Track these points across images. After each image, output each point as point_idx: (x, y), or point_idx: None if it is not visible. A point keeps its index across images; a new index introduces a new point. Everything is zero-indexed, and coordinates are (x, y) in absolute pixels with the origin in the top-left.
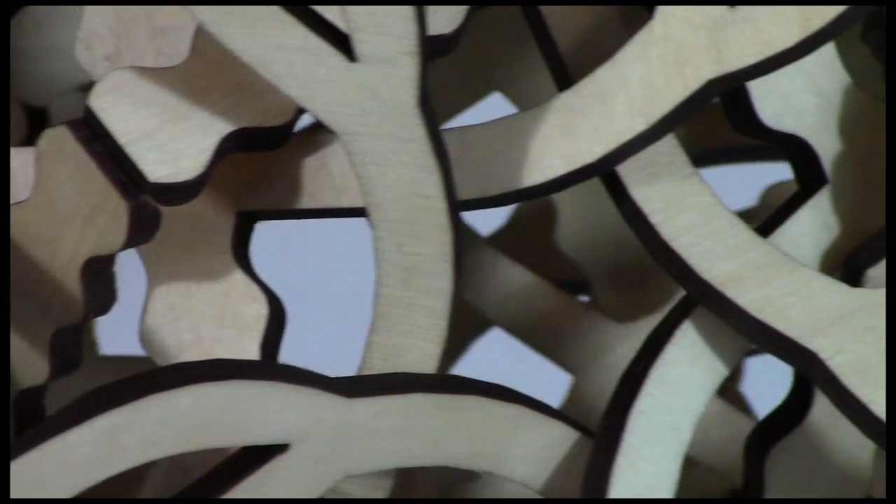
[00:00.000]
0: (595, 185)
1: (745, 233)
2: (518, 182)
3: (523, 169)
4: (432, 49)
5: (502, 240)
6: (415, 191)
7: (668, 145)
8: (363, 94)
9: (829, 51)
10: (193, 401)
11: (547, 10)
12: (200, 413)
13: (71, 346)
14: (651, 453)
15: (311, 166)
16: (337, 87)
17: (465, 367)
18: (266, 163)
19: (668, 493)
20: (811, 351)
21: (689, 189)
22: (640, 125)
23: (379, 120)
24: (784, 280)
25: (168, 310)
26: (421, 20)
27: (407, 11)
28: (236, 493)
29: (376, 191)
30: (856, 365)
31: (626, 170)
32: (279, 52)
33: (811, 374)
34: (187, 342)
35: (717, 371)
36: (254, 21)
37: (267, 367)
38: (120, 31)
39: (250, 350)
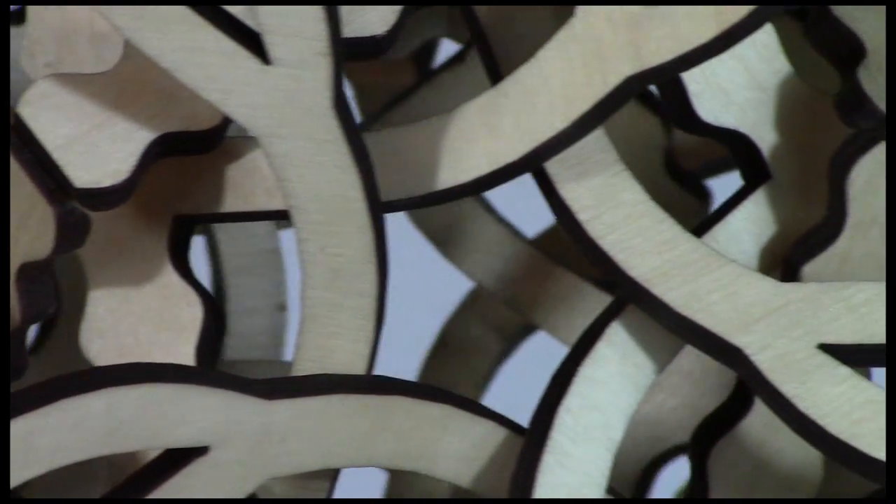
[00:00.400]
0: None
1: (672, 229)
2: (444, 182)
3: (449, 169)
4: (364, 49)
5: (546, 242)
6: (335, 192)
7: (599, 143)
8: (278, 96)
9: (770, 46)
10: (107, 404)
11: (480, 10)
12: (114, 416)
13: (15, 352)
14: (579, 451)
15: (244, 169)
16: (253, 90)
17: (511, 371)
18: (201, 167)
19: (597, 490)
20: (736, 347)
21: (618, 186)
22: (560, 123)
23: (295, 122)
24: (711, 276)
25: (108, 314)
26: (332, 20)
27: (317, 12)
28: (158, 494)
29: (297, 193)
30: (781, 360)
31: (554, 167)
32: (194, 55)
33: (737, 369)
34: (127, 346)
35: (650, 368)
36: (166, 24)
37: (182, 370)
38: (62, 38)
39: (185, 353)
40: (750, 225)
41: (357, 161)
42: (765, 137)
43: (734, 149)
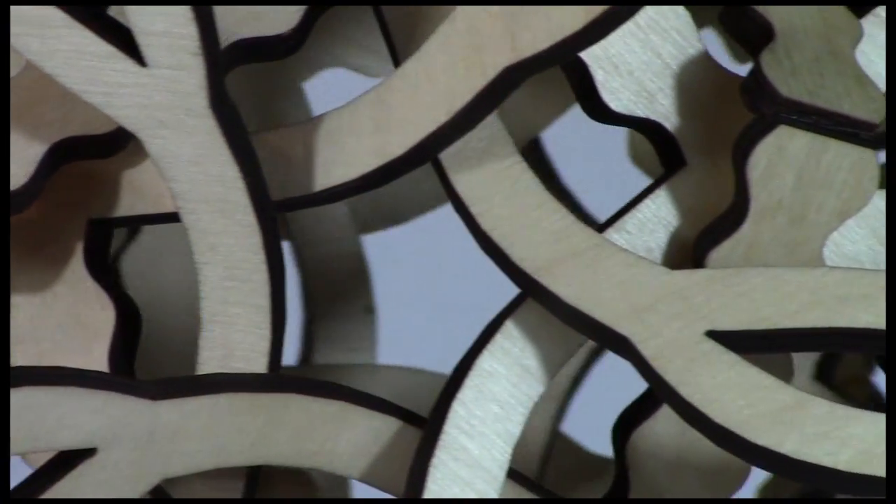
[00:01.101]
0: None
1: (565, 220)
2: (334, 179)
3: (339, 165)
4: (268, 49)
5: None
6: (219, 193)
7: (492, 133)
8: (156, 97)
9: (685, 32)
10: None
11: (386, 10)
12: None
13: None
14: (474, 444)
15: (151, 172)
16: (132, 92)
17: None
18: (112, 170)
19: (493, 484)
20: (623, 335)
21: (512, 178)
22: (443, 116)
23: (174, 123)
24: (601, 266)
25: (27, 320)
26: (202, 20)
27: (185, 12)
28: (50, 495)
29: (183, 194)
30: (667, 348)
31: (449, 160)
32: (74, 58)
33: (627, 358)
34: (46, 351)
35: (552, 360)
36: (46, 28)
37: (61, 373)
38: None
39: (99, 357)
40: (663, 213)
41: (240, 161)
42: (680, 125)
43: (651, 137)
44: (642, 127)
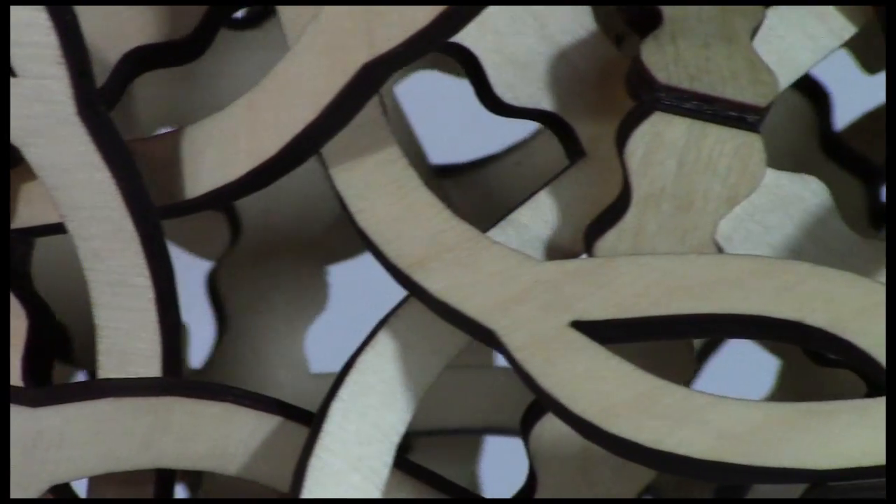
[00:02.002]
0: None
1: (441, 215)
2: (214, 182)
3: (218, 169)
4: (169, 54)
5: None
6: (95, 200)
7: (376, 133)
8: (29, 107)
9: (583, 22)
10: None
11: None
12: None
13: None
14: (352, 439)
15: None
16: (12, 103)
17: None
18: (21, 180)
19: (373, 476)
20: (489, 329)
21: (392, 176)
22: (310, 115)
23: (47, 131)
24: (474, 260)
25: None
26: (63, 29)
27: (44, 21)
28: None
29: (63, 202)
30: (531, 340)
31: (332, 158)
32: None
33: (497, 350)
34: None
35: (437, 355)
36: None
37: None
38: None
39: (13, 364)
40: (558, 203)
41: (114, 167)
42: (578, 115)
43: (552, 128)
44: (542, 119)
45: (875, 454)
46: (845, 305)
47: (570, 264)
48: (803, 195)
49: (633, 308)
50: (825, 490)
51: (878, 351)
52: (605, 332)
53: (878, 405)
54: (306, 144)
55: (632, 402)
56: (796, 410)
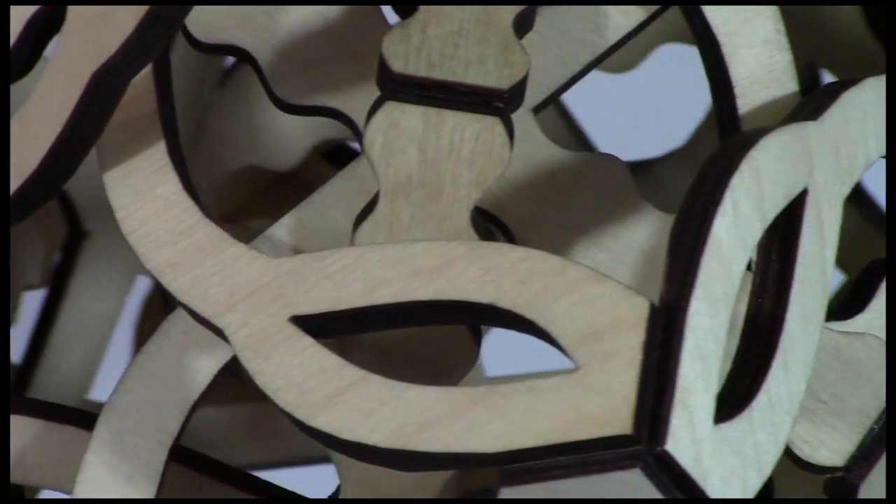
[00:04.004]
0: None
1: (193, 217)
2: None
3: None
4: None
5: None
6: None
7: (144, 138)
8: None
9: (370, 19)
10: None
11: None
12: None
13: None
14: (126, 447)
15: None
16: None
17: None
18: None
19: (146, 485)
20: (219, 328)
21: (156, 181)
22: (58, 129)
23: None
24: (214, 260)
25: None
26: None
27: None
28: None
29: None
30: (254, 337)
31: (108, 169)
32: None
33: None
34: None
35: (214, 358)
36: None
37: None
38: None
39: None
40: (338, 200)
41: None
42: (362, 111)
43: (345, 125)
44: (331, 115)
45: (545, 434)
46: (531, 287)
47: (297, 259)
48: None
49: (349, 300)
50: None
51: (556, 328)
52: (324, 326)
53: (549, 384)
54: (63, 158)
55: (332, 394)
56: (472, 395)
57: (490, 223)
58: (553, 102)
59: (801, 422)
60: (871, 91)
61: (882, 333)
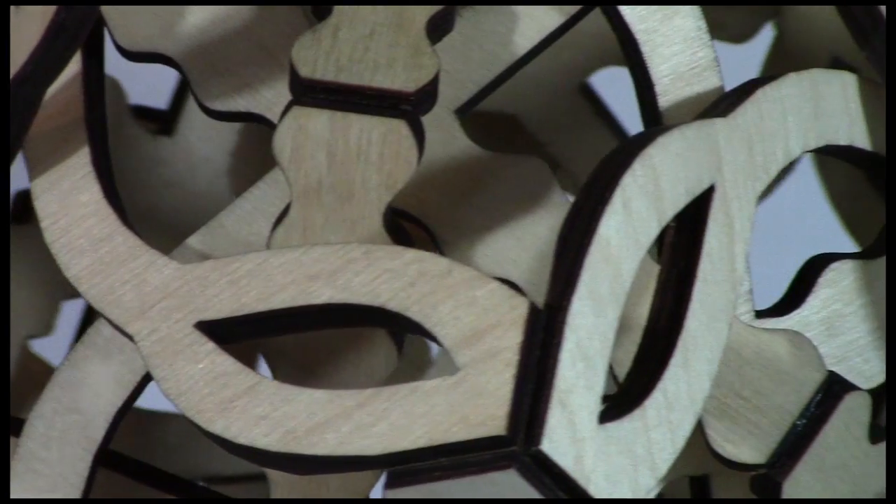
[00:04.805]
0: None
1: (111, 226)
2: None
3: None
4: None
5: None
6: None
7: (71, 146)
8: None
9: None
10: None
11: None
12: None
13: None
14: (53, 455)
15: None
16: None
17: None
18: None
19: (73, 491)
20: (129, 334)
21: (79, 189)
22: None
23: None
24: (127, 268)
25: None
26: None
27: None
28: None
29: None
30: (160, 343)
31: (34, 176)
32: None
33: None
34: None
35: (138, 364)
36: None
37: None
38: None
39: None
40: (263, 205)
41: None
42: None
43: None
44: (255, 120)
45: (425, 437)
46: (420, 289)
47: (205, 265)
48: None
49: (251, 304)
50: None
51: (440, 330)
52: (228, 331)
53: (432, 386)
54: None
55: (228, 399)
56: (360, 397)
57: (421, 227)
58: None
59: (722, 420)
60: (793, 87)
61: (817, 329)
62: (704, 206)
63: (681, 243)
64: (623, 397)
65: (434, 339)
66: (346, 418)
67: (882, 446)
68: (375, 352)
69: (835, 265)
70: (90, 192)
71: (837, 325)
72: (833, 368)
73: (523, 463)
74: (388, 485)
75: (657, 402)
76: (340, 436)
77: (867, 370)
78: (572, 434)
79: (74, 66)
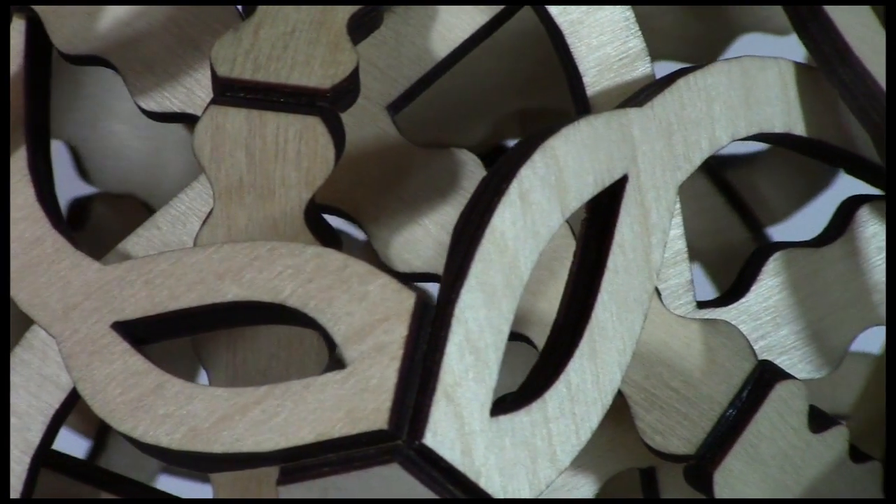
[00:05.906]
0: None
1: (42, 228)
2: None
3: None
4: None
5: None
6: None
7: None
8: None
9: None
10: None
11: None
12: None
13: None
14: None
15: None
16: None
17: None
18: None
19: (12, 495)
20: (53, 335)
21: (16, 192)
22: None
23: None
24: (53, 269)
25: None
26: None
27: None
28: None
29: None
30: (78, 344)
31: None
32: None
33: None
34: None
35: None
36: None
37: None
38: None
39: None
40: (197, 205)
41: None
42: None
43: None
44: (189, 121)
45: (314, 432)
46: (316, 285)
47: (124, 265)
48: None
49: (163, 303)
50: None
51: (333, 326)
52: (143, 330)
53: (323, 381)
54: None
55: (138, 398)
56: (257, 394)
57: (354, 222)
58: None
59: (651, 411)
60: (720, 75)
61: (763, 318)
62: (616, 197)
63: (592, 234)
64: (524, 390)
65: (328, 335)
66: (242, 415)
67: (828, 434)
68: (306, 350)
69: (779, 254)
70: (24, 196)
71: (784, 314)
72: (780, 358)
73: (407, 457)
74: (280, 481)
75: (559, 394)
76: (236, 433)
77: (816, 360)
78: (459, 427)
79: (15, 67)
